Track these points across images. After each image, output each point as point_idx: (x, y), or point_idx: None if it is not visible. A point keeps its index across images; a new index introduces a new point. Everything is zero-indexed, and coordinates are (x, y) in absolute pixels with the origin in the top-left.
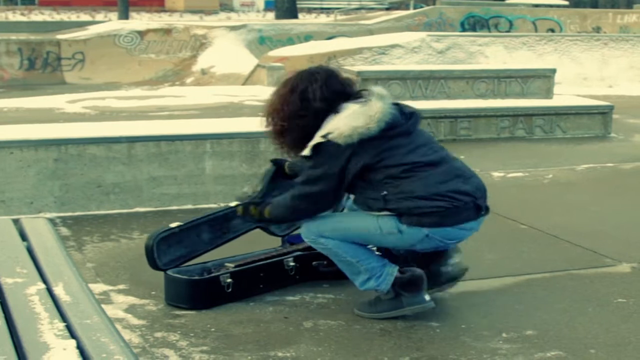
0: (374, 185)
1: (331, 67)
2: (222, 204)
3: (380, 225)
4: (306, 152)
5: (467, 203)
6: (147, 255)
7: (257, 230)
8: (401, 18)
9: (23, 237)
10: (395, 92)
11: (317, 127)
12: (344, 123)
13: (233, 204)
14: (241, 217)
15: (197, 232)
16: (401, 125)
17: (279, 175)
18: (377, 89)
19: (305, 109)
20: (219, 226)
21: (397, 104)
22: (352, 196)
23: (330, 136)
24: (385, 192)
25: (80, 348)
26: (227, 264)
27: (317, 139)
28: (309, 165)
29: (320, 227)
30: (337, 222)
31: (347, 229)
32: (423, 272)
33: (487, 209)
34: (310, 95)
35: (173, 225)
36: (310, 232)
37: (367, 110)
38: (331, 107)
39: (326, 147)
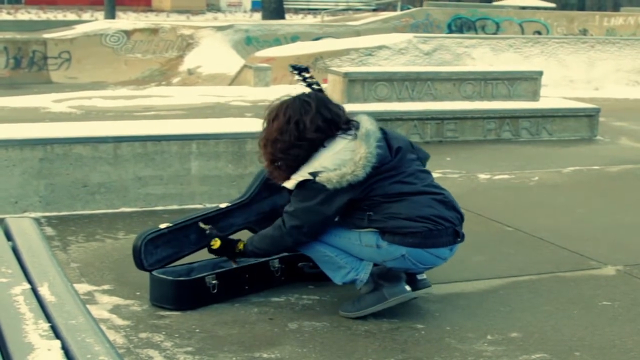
0: (360, 208)
1: (320, 95)
2: (208, 205)
3: (360, 237)
4: (290, 185)
5: (447, 228)
6: (134, 256)
7: (245, 230)
8: (388, 19)
9: (8, 236)
10: (382, 93)
11: (308, 157)
12: (332, 163)
13: (223, 205)
14: (216, 253)
15: (185, 233)
16: (388, 162)
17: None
18: (365, 122)
19: (301, 139)
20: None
21: (384, 135)
22: None
23: (318, 178)
24: (370, 213)
25: (65, 349)
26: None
27: (305, 175)
28: (296, 198)
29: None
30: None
31: (327, 232)
32: None
33: (463, 237)
34: (307, 125)
35: (162, 226)
36: None
37: (354, 155)
38: (324, 136)
39: (314, 186)
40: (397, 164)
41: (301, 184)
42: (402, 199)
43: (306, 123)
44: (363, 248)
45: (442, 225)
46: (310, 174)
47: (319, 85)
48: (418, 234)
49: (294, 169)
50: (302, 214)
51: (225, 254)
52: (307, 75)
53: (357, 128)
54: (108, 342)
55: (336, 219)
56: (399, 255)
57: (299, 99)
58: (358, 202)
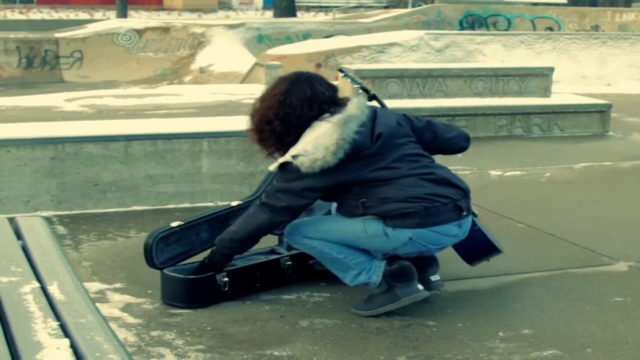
0: (351, 194)
1: (308, 74)
2: (219, 203)
3: (365, 228)
4: (273, 167)
5: (446, 204)
6: (145, 254)
7: None
8: (399, 16)
9: (18, 235)
10: (393, 90)
11: (298, 137)
12: (312, 147)
13: (234, 203)
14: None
15: (196, 231)
16: (367, 148)
17: None
18: (350, 106)
19: (289, 117)
20: (219, 225)
21: (373, 120)
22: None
23: (295, 161)
24: (363, 199)
25: (74, 347)
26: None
27: (288, 157)
28: (277, 178)
29: (303, 229)
30: (321, 224)
31: (331, 230)
32: (411, 263)
33: (468, 210)
34: (294, 103)
35: (174, 224)
36: (294, 233)
37: (327, 140)
38: (311, 116)
39: (292, 168)
40: (378, 151)
41: (282, 166)
42: (390, 183)
43: (292, 102)
44: (370, 239)
45: (438, 202)
46: (292, 156)
47: (368, 91)
48: (416, 214)
49: (285, 150)
50: (279, 193)
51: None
52: (357, 78)
53: (343, 112)
54: (117, 340)
55: (334, 213)
56: (406, 240)
57: (287, 79)
58: (347, 189)
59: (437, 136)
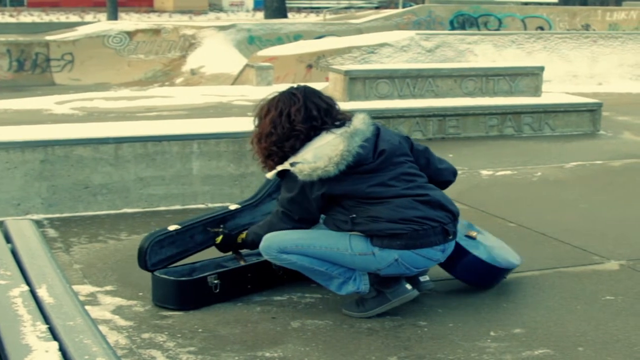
0: (342, 208)
1: (308, 87)
2: (210, 204)
3: (352, 245)
4: (270, 175)
5: (434, 227)
6: (139, 256)
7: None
8: (390, 17)
9: (7, 238)
10: (383, 91)
11: (301, 149)
12: (312, 156)
13: (232, 206)
14: (219, 248)
15: (191, 234)
16: (367, 163)
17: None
18: (357, 120)
19: (293, 131)
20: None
21: (377, 136)
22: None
23: (293, 168)
24: (353, 215)
25: (62, 350)
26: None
27: (286, 165)
28: (282, 188)
29: (281, 243)
30: (300, 238)
31: (312, 245)
32: None
33: (454, 235)
34: (296, 116)
35: (171, 228)
36: (271, 248)
37: (332, 151)
38: (314, 127)
39: (291, 176)
40: (377, 167)
41: (281, 174)
42: (382, 202)
43: (295, 114)
44: (355, 257)
45: (427, 225)
46: (290, 164)
47: None
48: (404, 236)
49: (286, 160)
50: (287, 203)
51: (228, 247)
52: None
53: (349, 126)
54: (106, 342)
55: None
56: (392, 261)
57: (288, 92)
58: (339, 202)
59: (430, 164)
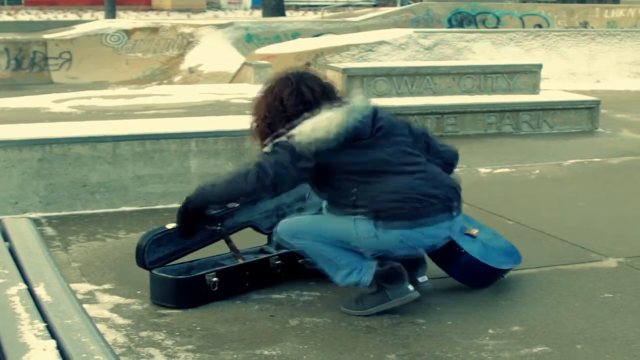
0: (342, 190)
1: (303, 72)
2: None
3: (356, 229)
4: (268, 148)
5: (434, 205)
6: (137, 254)
7: (246, 228)
8: (388, 15)
9: (5, 237)
10: (381, 89)
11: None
12: (310, 127)
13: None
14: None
15: None
16: (365, 138)
17: None
18: (356, 98)
19: (285, 112)
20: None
21: (374, 115)
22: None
23: (291, 139)
24: (354, 198)
25: (60, 348)
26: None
27: (282, 138)
28: (272, 152)
29: (294, 228)
30: (311, 224)
31: (322, 229)
32: (400, 264)
33: (459, 211)
34: (288, 99)
35: (169, 226)
36: (285, 231)
37: (329, 122)
38: (305, 109)
39: (287, 143)
40: (375, 142)
41: (277, 145)
42: (381, 180)
43: (287, 98)
44: (360, 240)
45: (427, 202)
46: (287, 136)
47: None
48: (406, 214)
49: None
50: (273, 164)
51: (191, 224)
52: None
53: (347, 103)
54: (103, 340)
55: (325, 212)
56: (397, 241)
57: (283, 76)
58: (336, 179)
59: (430, 147)
